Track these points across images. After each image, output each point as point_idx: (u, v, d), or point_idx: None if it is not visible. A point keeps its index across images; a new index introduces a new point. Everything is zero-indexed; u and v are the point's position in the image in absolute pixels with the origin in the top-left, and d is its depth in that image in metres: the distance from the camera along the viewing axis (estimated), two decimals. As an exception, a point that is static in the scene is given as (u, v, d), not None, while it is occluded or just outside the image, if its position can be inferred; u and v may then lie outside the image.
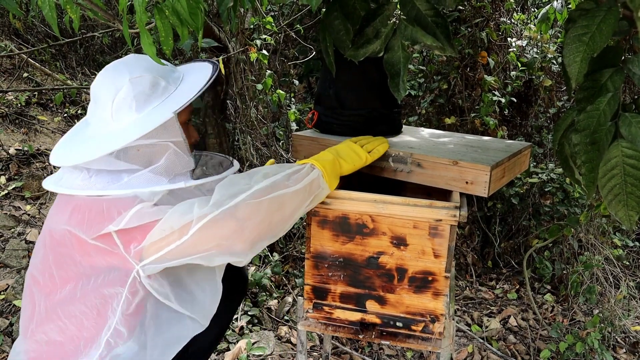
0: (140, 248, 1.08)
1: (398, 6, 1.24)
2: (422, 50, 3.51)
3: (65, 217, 1.14)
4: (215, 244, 1.09)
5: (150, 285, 1.12)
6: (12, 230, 2.74)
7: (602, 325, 2.53)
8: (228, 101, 3.05)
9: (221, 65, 2.53)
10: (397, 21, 1.23)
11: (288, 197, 1.15)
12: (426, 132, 1.69)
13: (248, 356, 2.20)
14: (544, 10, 2.94)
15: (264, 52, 2.88)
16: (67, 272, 1.14)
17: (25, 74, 4.15)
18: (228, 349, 2.23)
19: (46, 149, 3.56)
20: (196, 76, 1.23)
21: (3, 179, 3.15)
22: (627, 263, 3.20)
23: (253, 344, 2.26)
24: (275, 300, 2.65)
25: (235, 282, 1.40)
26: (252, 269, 2.75)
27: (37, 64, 4.07)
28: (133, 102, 1.14)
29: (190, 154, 1.21)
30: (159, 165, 1.16)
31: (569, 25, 1.11)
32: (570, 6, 3.05)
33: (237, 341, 2.27)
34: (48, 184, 1.20)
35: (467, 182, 1.30)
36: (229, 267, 1.27)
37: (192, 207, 1.08)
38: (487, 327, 2.74)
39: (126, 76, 1.15)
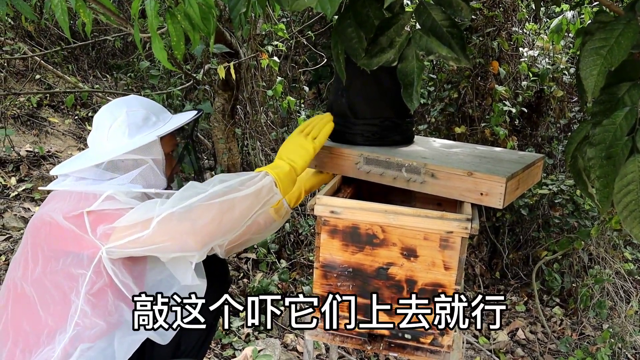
0: (108, 230, 1.20)
1: (413, 15, 1.23)
2: (433, 59, 3.50)
3: (47, 205, 1.30)
4: (170, 238, 1.19)
5: (112, 270, 1.21)
6: (22, 231, 2.75)
7: (612, 340, 2.50)
8: (238, 106, 3.05)
9: (232, 70, 2.54)
10: (412, 31, 1.22)
11: (238, 200, 1.25)
12: (437, 142, 1.68)
13: (253, 363, 2.18)
14: (556, 21, 2.92)
15: (275, 58, 2.88)
16: (41, 253, 1.25)
17: (38, 76, 4.18)
18: (234, 356, 2.22)
19: (57, 151, 3.58)
20: (182, 117, 1.44)
21: (13, 180, 3.16)
22: (638, 278, 3.16)
23: (259, 351, 2.24)
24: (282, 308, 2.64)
25: (215, 283, 1.40)
26: (259, 275, 2.74)
27: (50, 67, 4.10)
28: (126, 129, 1.34)
29: (164, 175, 1.40)
30: (137, 176, 1.34)
31: (586, 38, 1.09)
32: (583, 17, 3.03)
33: (243, 348, 2.26)
34: (44, 187, 1.37)
35: (482, 194, 1.29)
36: (210, 269, 1.33)
37: (155, 205, 1.21)
38: (494, 339, 2.71)
39: (124, 109, 1.36)
